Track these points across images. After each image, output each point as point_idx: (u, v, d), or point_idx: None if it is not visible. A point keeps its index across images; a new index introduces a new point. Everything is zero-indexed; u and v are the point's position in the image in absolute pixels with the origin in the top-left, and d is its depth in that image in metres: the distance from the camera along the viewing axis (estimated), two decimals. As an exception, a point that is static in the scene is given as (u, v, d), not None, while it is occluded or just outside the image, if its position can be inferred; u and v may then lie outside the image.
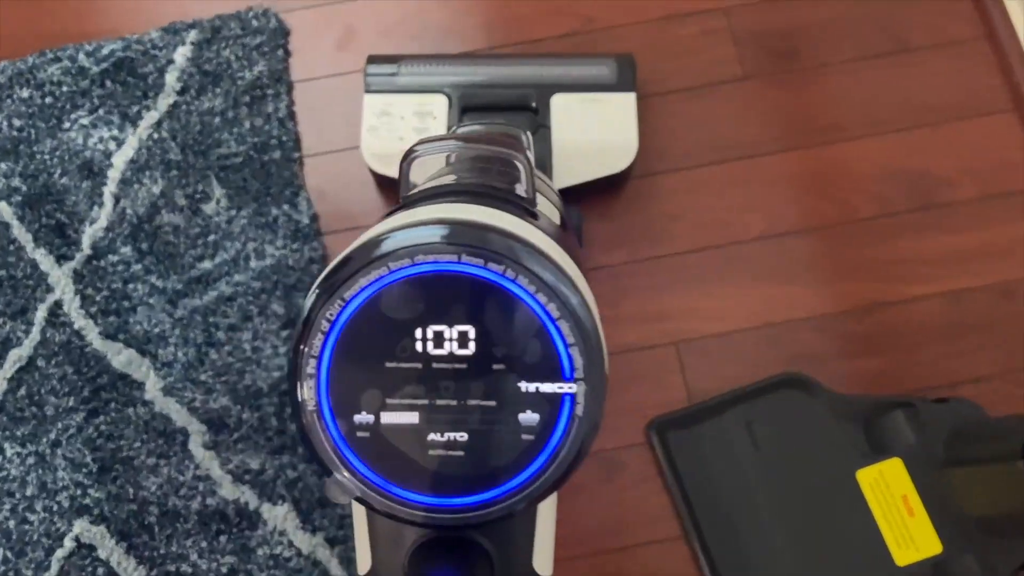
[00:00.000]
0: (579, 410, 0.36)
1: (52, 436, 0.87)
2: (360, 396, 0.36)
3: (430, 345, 0.36)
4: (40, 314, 0.90)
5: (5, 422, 0.88)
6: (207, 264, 0.91)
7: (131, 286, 0.91)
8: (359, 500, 0.37)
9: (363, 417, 0.37)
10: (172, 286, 0.91)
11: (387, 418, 0.37)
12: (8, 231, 0.93)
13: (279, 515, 0.84)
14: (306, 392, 0.36)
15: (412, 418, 0.37)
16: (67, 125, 0.96)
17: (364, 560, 0.41)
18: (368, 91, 0.91)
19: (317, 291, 0.36)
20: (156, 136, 0.95)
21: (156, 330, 0.90)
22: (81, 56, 0.98)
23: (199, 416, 0.87)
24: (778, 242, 0.91)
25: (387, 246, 0.35)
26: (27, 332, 0.90)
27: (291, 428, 0.87)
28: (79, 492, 0.85)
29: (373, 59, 0.92)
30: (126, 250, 0.92)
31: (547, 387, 0.36)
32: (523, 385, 0.36)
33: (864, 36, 0.98)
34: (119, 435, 0.87)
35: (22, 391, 0.89)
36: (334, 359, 0.36)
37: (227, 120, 0.96)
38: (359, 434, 0.37)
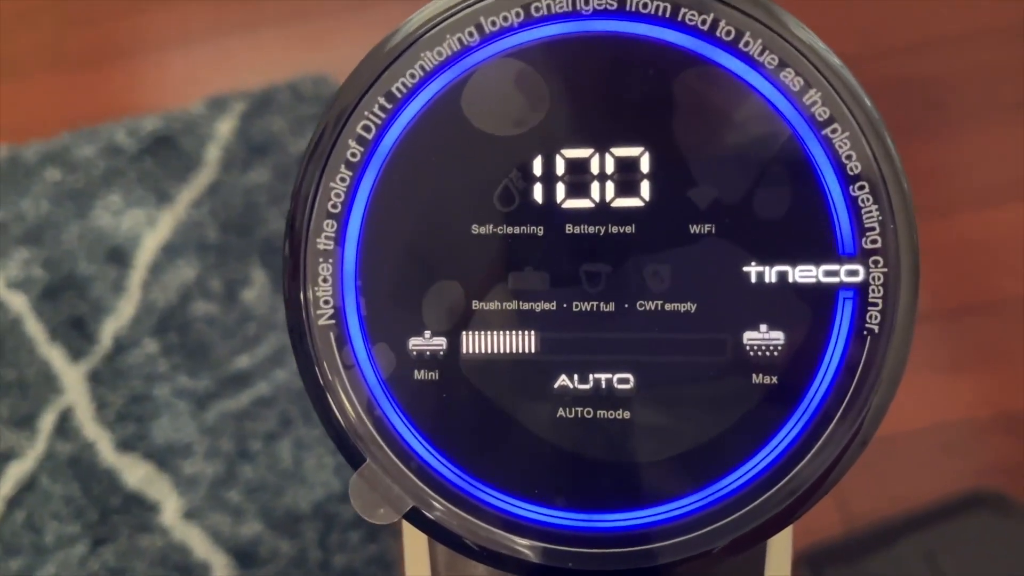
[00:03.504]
0: (872, 320, 0.18)
1: (51, 570, 0.71)
2: (422, 298, 0.19)
3: (560, 189, 0.19)
4: (48, 422, 0.76)
5: (-3, 553, 0.73)
6: (244, 359, 0.77)
7: (155, 387, 0.76)
8: (412, 518, 0.19)
9: (426, 342, 0.19)
10: (203, 386, 0.76)
11: (473, 341, 0.19)
12: (21, 326, 0.80)
13: (318, 676, 0.66)
14: (315, 290, 0.19)
15: (524, 341, 0.19)
16: (98, 208, 0.85)
17: None
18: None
19: (343, 87, 0.19)
20: (194, 216, 0.83)
21: (181, 439, 0.74)
22: (119, 134, 0.88)
23: (225, 546, 0.70)
24: (950, 320, 0.72)
25: None
26: (31, 443, 0.76)
27: (337, 562, 0.69)
28: (75, 643, 0.68)
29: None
30: (151, 345, 0.78)
31: (803, 271, 0.18)
32: (753, 268, 0.18)
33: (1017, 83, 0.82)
34: (127, 569, 0.70)
35: (20, 514, 0.74)
36: (370, 221, 0.19)
37: (275, 196, 0.83)
38: (419, 376, 0.19)
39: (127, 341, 0.78)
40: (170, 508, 0.72)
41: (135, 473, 0.74)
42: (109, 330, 0.79)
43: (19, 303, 0.81)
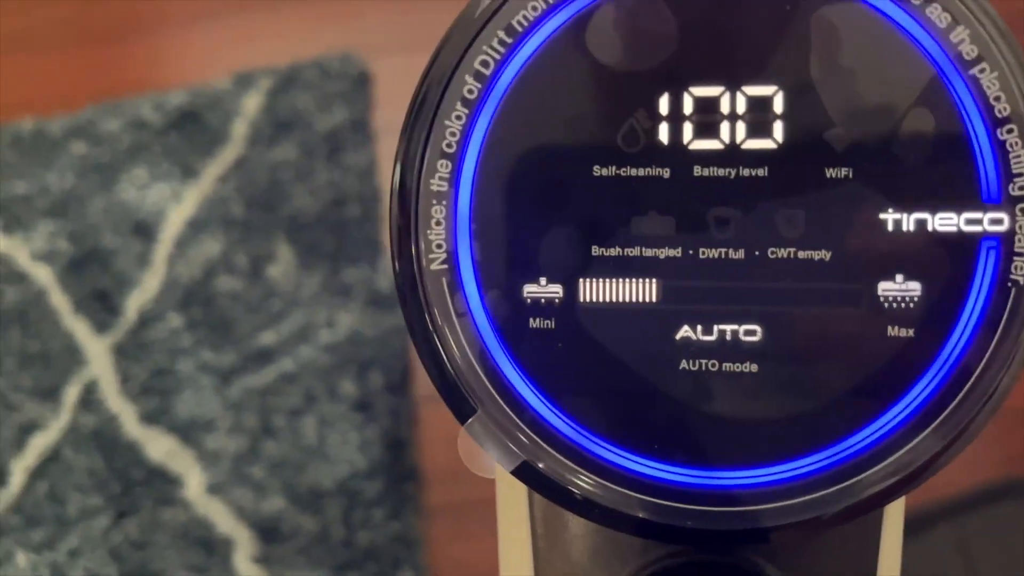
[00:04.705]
0: (1016, 271, 0.17)
1: (73, 542, 0.71)
2: (539, 242, 0.18)
3: (687, 129, 0.18)
4: (72, 394, 0.76)
5: (20, 523, 0.72)
6: (269, 336, 0.76)
7: (178, 361, 0.76)
8: (522, 474, 0.18)
9: (542, 288, 0.18)
10: (227, 361, 0.76)
11: (592, 289, 0.18)
12: (46, 298, 0.80)
13: (341, 653, 0.65)
14: (428, 234, 0.18)
15: (646, 290, 0.18)
16: (123, 182, 0.84)
17: None
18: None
19: (458, 20, 0.18)
20: (220, 191, 0.83)
21: (204, 414, 0.74)
22: (145, 108, 0.88)
23: (248, 521, 0.70)
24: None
25: None
26: (55, 415, 0.76)
27: (360, 539, 0.69)
28: (98, 614, 0.68)
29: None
30: (176, 319, 0.77)
31: (944, 218, 0.17)
32: (890, 215, 0.17)
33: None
34: (149, 542, 0.70)
35: (43, 486, 0.73)
36: (485, 162, 0.18)
37: (300, 172, 0.83)
38: (534, 324, 0.18)
39: (151, 315, 0.78)
40: (193, 482, 0.72)
41: (158, 447, 0.73)
42: (134, 304, 0.79)
43: (44, 275, 0.81)
